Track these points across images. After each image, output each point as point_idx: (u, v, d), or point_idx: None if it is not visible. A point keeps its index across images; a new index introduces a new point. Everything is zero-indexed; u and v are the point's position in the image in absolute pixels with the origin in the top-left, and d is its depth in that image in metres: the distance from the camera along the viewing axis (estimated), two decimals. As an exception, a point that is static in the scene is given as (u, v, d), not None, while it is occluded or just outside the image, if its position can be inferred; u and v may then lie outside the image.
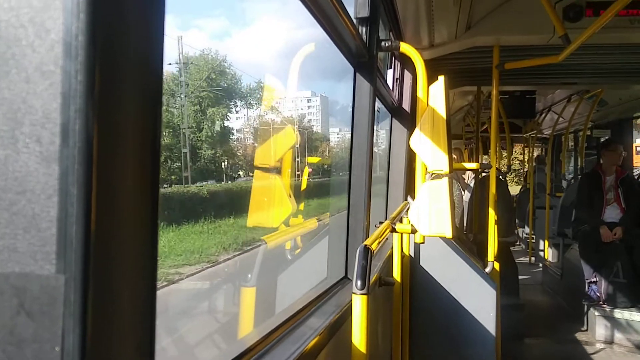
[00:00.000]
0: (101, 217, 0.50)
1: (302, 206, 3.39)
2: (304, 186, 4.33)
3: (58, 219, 0.49)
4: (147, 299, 0.58)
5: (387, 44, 2.81)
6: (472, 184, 7.76)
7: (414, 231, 2.76)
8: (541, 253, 9.92)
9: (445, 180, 2.58)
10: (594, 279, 6.18)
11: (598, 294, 6.11)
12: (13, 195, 0.50)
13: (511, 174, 20.91)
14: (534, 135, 11.94)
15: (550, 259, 9.13)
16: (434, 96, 2.62)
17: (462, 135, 12.68)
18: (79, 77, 0.48)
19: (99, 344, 0.50)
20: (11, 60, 0.49)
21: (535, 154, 13.21)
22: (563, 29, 3.77)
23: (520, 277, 6.83)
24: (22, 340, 0.49)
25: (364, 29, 2.63)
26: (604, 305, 6.04)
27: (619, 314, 5.93)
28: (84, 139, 0.48)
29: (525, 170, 15.08)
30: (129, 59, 0.53)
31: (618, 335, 5.92)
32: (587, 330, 6.26)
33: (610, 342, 5.92)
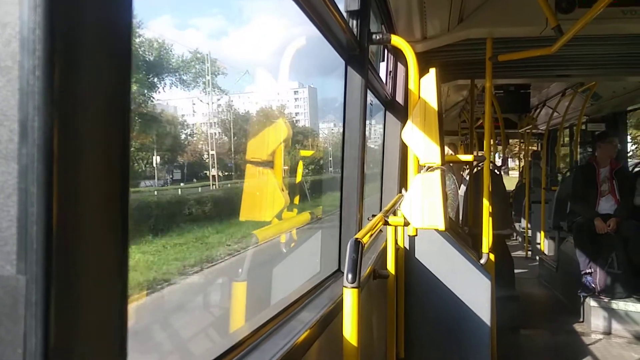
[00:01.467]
0: (63, 216, 0.48)
1: (297, 200, 3.38)
2: (298, 179, 4.31)
3: (18, 219, 0.48)
4: (116, 299, 0.56)
5: (378, 37, 2.80)
6: (467, 177, 7.77)
7: (406, 224, 2.76)
8: (537, 246, 9.94)
9: (438, 172, 2.57)
10: (590, 271, 6.19)
11: (593, 285, 6.13)
12: None
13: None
14: (529, 130, 11.96)
15: (546, 252, 9.15)
16: (426, 89, 2.61)
17: (458, 131, 12.69)
18: (37, 73, 0.47)
19: (61, 345, 0.49)
20: None
21: (530, 150, 13.24)
22: (556, 20, 3.76)
23: (516, 270, 6.85)
24: None
25: (354, 22, 2.61)
26: (600, 297, 6.06)
27: (615, 304, 5.95)
28: (44, 137, 0.47)
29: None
30: (91, 53, 0.52)
31: (614, 326, 5.94)
32: (582, 321, 6.28)
33: (606, 332, 5.94)
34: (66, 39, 0.48)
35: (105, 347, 0.56)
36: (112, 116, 0.55)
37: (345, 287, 1.76)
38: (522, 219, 11.12)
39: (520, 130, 12.28)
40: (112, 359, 0.56)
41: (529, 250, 10.53)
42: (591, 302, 6.09)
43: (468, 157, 5.32)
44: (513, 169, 28.06)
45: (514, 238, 12.32)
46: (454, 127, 12.30)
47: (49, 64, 0.47)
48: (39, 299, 0.47)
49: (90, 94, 0.52)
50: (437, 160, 2.57)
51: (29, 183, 0.47)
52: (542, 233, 9.31)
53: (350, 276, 1.75)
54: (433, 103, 2.57)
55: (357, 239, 1.86)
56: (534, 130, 12.11)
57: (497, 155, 11.55)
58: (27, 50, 0.47)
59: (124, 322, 0.57)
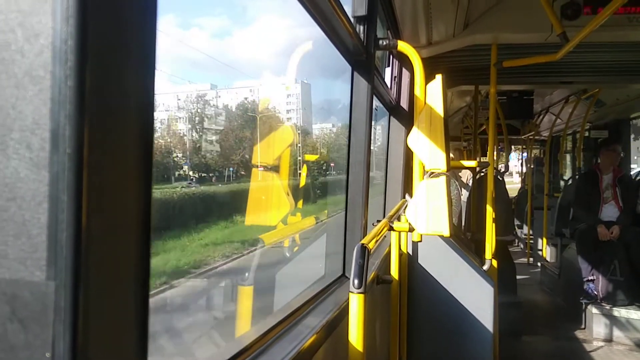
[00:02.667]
0: (91, 223, 0.49)
1: (300, 203, 3.39)
2: (302, 183, 4.31)
3: (48, 225, 0.49)
4: (139, 304, 0.57)
5: (384, 43, 2.81)
6: (470, 184, 7.78)
7: (411, 230, 2.76)
8: (539, 253, 9.93)
9: (443, 178, 2.58)
10: (592, 277, 6.19)
11: (595, 292, 6.13)
12: (3, 201, 0.49)
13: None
14: (532, 137, 11.96)
15: (548, 258, 9.14)
16: (432, 94, 2.62)
17: (461, 137, 12.70)
18: (68, 83, 0.48)
19: (89, 350, 0.50)
20: (0, 65, 0.49)
21: (533, 156, 13.25)
22: (561, 27, 3.77)
23: (518, 276, 6.84)
24: (12, 347, 0.49)
25: (361, 28, 2.62)
26: (602, 304, 6.05)
27: (617, 312, 5.94)
28: (74, 145, 0.48)
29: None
30: (120, 63, 0.53)
31: (616, 333, 5.93)
32: (584, 328, 6.27)
33: (608, 340, 5.93)
34: (97, 50, 0.49)
35: (128, 351, 0.57)
36: (137, 124, 0.56)
37: (352, 292, 1.76)
38: (525, 226, 11.12)
39: (523, 137, 12.29)
40: None
41: (531, 257, 10.52)
42: (593, 309, 6.08)
43: (471, 163, 5.32)
44: (509, 174, 27.75)
45: (516, 244, 12.31)
46: (456, 133, 12.31)
47: (80, 73, 0.48)
48: (68, 304, 0.48)
49: (118, 103, 0.53)
50: (442, 167, 2.57)
51: (60, 191, 0.48)
52: (545, 239, 9.31)
53: (356, 281, 1.75)
54: (439, 109, 2.58)
55: (363, 244, 1.86)
56: (536, 137, 12.12)
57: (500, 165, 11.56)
58: (59, 60, 0.48)
59: (145, 327, 0.58)
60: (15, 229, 0.49)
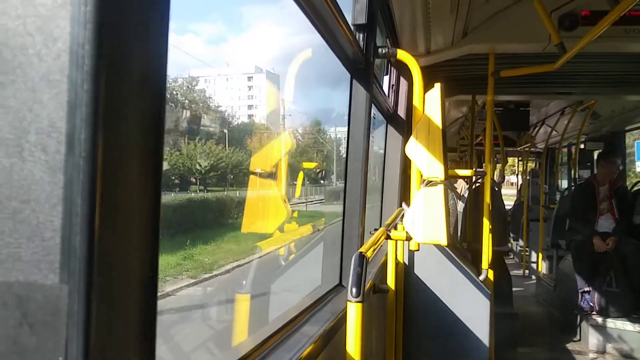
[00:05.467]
0: (105, 226, 0.49)
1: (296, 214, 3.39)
2: (297, 194, 4.30)
3: (62, 228, 0.49)
4: (149, 308, 0.57)
5: (384, 51, 2.82)
6: (465, 195, 7.79)
7: (408, 238, 2.76)
8: (534, 265, 9.94)
9: (441, 187, 2.58)
10: (587, 289, 6.19)
11: (591, 304, 6.12)
12: (18, 203, 0.49)
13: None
14: (527, 148, 12.00)
15: (543, 270, 9.14)
16: (430, 103, 2.62)
17: (457, 148, 12.72)
18: (85, 86, 0.48)
19: (101, 353, 0.50)
20: (18, 68, 0.49)
21: (529, 168, 13.28)
22: (559, 38, 3.79)
23: (513, 288, 6.84)
24: (25, 350, 0.49)
25: (361, 36, 2.64)
26: (597, 315, 6.05)
27: (612, 323, 5.94)
28: (90, 149, 0.48)
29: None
30: (134, 68, 0.53)
31: (610, 345, 5.93)
32: (579, 340, 6.27)
33: (602, 351, 5.93)
34: (113, 55, 0.50)
35: (139, 353, 0.57)
36: (149, 129, 0.56)
37: (350, 301, 1.75)
38: (520, 238, 11.12)
39: (519, 148, 12.33)
40: None
41: (527, 269, 10.51)
42: (588, 321, 6.08)
43: (467, 172, 5.32)
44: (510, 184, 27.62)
45: (511, 257, 12.32)
46: (452, 144, 12.33)
47: (96, 78, 0.48)
48: (81, 308, 0.48)
49: (132, 107, 0.53)
50: (440, 175, 2.58)
51: (74, 194, 0.48)
52: (540, 251, 9.31)
53: (354, 290, 1.75)
54: (437, 117, 2.59)
55: (361, 252, 1.86)
56: (532, 149, 12.16)
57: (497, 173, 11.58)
58: (76, 64, 0.48)
59: (153, 330, 0.58)
60: (29, 232, 0.49)
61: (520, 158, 15.04)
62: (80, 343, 0.48)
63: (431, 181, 2.60)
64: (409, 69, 2.90)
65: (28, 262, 0.49)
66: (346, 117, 2.75)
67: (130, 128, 0.54)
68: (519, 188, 15.26)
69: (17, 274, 0.49)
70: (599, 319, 6.00)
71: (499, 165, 11.71)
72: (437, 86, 2.62)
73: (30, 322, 0.49)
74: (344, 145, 2.86)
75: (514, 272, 9.78)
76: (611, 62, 4.79)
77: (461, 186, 9.64)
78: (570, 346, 6.15)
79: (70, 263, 0.48)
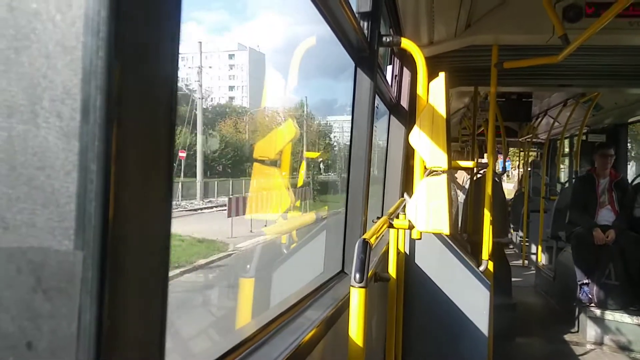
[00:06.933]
0: (120, 193, 0.49)
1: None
2: (300, 183, 4.29)
3: (77, 195, 0.48)
4: (161, 276, 0.57)
5: (388, 39, 2.81)
6: (466, 186, 7.79)
7: (411, 227, 2.76)
8: (533, 257, 9.96)
9: (444, 177, 2.58)
10: (586, 281, 6.20)
11: (590, 296, 6.14)
12: (32, 170, 0.49)
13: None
14: (529, 139, 12.00)
15: (543, 261, 9.16)
16: (434, 93, 2.62)
17: (459, 138, 12.72)
18: (100, 53, 0.48)
19: (115, 321, 0.50)
20: (31, 34, 0.49)
21: (530, 159, 13.29)
22: (562, 29, 3.78)
23: (513, 279, 6.86)
24: (38, 316, 0.49)
25: (365, 24, 2.63)
26: (596, 307, 6.07)
27: (610, 315, 5.96)
28: (105, 116, 0.48)
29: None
30: (150, 34, 0.53)
31: (609, 337, 5.95)
32: (577, 331, 6.29)
33: (600, 343, 5.95)
34: (129, 21, 0.49)
35: (151, 321, 0.57)
36: (165, 97, 0.56)
37: (353, 286, 1.76)
38: (520, 230, 11.13)
39: (520, 139, 12.32)
40: (155, 333, 0.57)
41: (526, 260, 10.53)
42: (587, 313, 6.10)
43: (469, 163, 5.32)
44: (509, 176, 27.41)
45: (511, 248, 12.34)
46: (454, 134, 12.33)
47: (112, 45, 0.48)
48: (95, 274, 0.48)
49: (148, 75, 0.53)
50: (443, 165, 2.58)
51: (89, 160, 0.48)
52: (540, 242, 9.32)
53: (357, 276, 1.76)
54: (441, 107, 2.58)
55: (365, 239, 1.87)
56: (534, 140, 12.15)
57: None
58: (91, 30, 0.48)
59: (165, 298, 0.58)
60: (43, 198, 0.49)
61: (521, 149, 15.04)
62: (94, 310, 0.48)
63: (434, 171, 2.60)
64: (412, 58, 2.89)
65: (42, 228, 0.49)
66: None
67: (147, 95, 0.53)
68: (519, 178, 15.27)
69: (32, 240, 0.49)
70: (598, 311, 6.03)
71: (500, 156, 11.72)
72: (442, 75, 2.61)
73: (44, 289, 0.49)
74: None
75: (513, 263, 9.81)
76: (614, 55, 4.78)
77: (462, 177, 9.64)
78: (568, 337, 6.17)
79: (85, 230, 0.48)
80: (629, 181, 7.60)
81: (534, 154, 14.63)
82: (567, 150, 11.32)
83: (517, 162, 18.91)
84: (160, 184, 0.56)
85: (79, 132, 0.48)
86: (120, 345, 0.51)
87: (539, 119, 10.23)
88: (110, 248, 0.48)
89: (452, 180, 7.59)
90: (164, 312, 0.58)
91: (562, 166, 11.48)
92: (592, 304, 6.12)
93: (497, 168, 9.59)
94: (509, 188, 14.19)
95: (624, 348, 5.80)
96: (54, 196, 0.49)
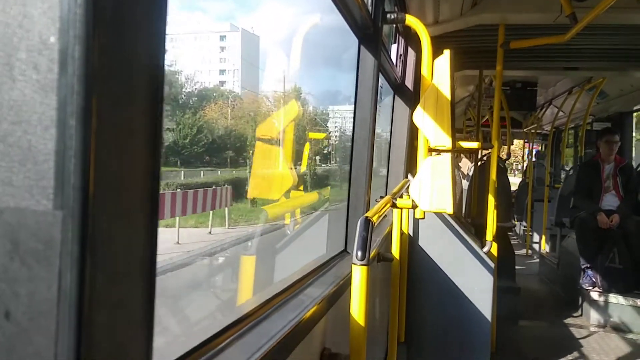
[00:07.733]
0: (101, 150, 0.46)
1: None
2: (303, 167, 4.22)
3: (56, 152, 0.46)
4: (148, 236, 0.54)
5: (392, 16, 2.77)
6: (470, 174, 7.78)
7: (414, 206, 2.75)
8: (536, 246, 9.94)
9: (448, 156, 2.56)
10: (590, 265, 6.20)
11: (594, 280, 6.14)
12: (8, 125, 0.46)
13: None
14: (534, 130, 11.95)
15: (547, 249, 9.13)
16: (439, 72, 2.59)
17: (464, 129, 12.68)
18: (78, 1, 0.45)
19: (96, 282, 0.47)
20: None
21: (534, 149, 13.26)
22: (570, 8, 3.71)
23: (517, 267, 6.86)
24: (16, 280, 0.46)
25: (369, 0, 2.58)
26: (599, 291, 6.06)
27: (614, 299, 5.95)
28: (83, 67, 0.45)
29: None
30: None
31: (612, 320, 5.95)
32: (581, 315, 6.30)
33: (603, 326, 5.95)
34: None
35: (136, 284, 0.54)
36: (149, 43, 0.53)
37: (355, 264, 1.75)
38: (524, 220, 11.10)
39: (525, 130, 12.28)
40: (142, 296, 0.55)
41: (530, 249, 10.52)
42: (591, 296, 6.09)
43: (474, 145, 5.27)
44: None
45: (514, 237, 12.33)
46: (459, 125, 12.27)
47: None
48: (75, 235, 0.45)
49: (130, 23, 0.50)
50: (447, 144, 2.56)
51: (68, 115, 0.45)
52: (544, 230, 9.29)
53: (359, 253, 1.75)
54: (446, 85, 2.56)
55: (367, 217, 1.85)
56: (538, 131, 12.10)
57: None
58: None
59: (154, 258, 0.56)
60: (20, 155, 0.46)
61: (526, 140, 14.98)
62: (75, 272, 0.45)
63: (438, 150, 2.58)
64: (417, 37, 2.85)
65: (19, 187, 0.46)
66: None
67: (128, 42, 0.50)
68: (524, 169, 15.24)
69: (8, 200, 0.46)
70: (601, 294, 6.02)
71: (505, 147, 11.69)
72: (447, 53, 2.58)
73: (21, 252, 0.46)
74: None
75: (517, 252, 9.79)
76: (622, 35, 4.71)
77: (467, 165, 9.61)
78: (571, 321, 6.18)
79: (64, 189, 0.45)
80: (634, 167, 7.54)
81: (539, 145, 14.59)
82: (571, 140, 11.24)
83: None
84: (145, 140, 0.53)
85: (57, 85, 0.45)
86: (102, 309, 0.48)
87: (544, 109, 10.16)
88: (91, 208, 0.46)
89: (456, 168, 7.57)
90: (151, 274, 0.55)
91: (566, 156, 11.42)
92: (596, 288, 6.11)
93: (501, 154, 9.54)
94: (516, 182, 14.12)
95: (627, 330, 5.80)
96: (31, 153, 0.46)
